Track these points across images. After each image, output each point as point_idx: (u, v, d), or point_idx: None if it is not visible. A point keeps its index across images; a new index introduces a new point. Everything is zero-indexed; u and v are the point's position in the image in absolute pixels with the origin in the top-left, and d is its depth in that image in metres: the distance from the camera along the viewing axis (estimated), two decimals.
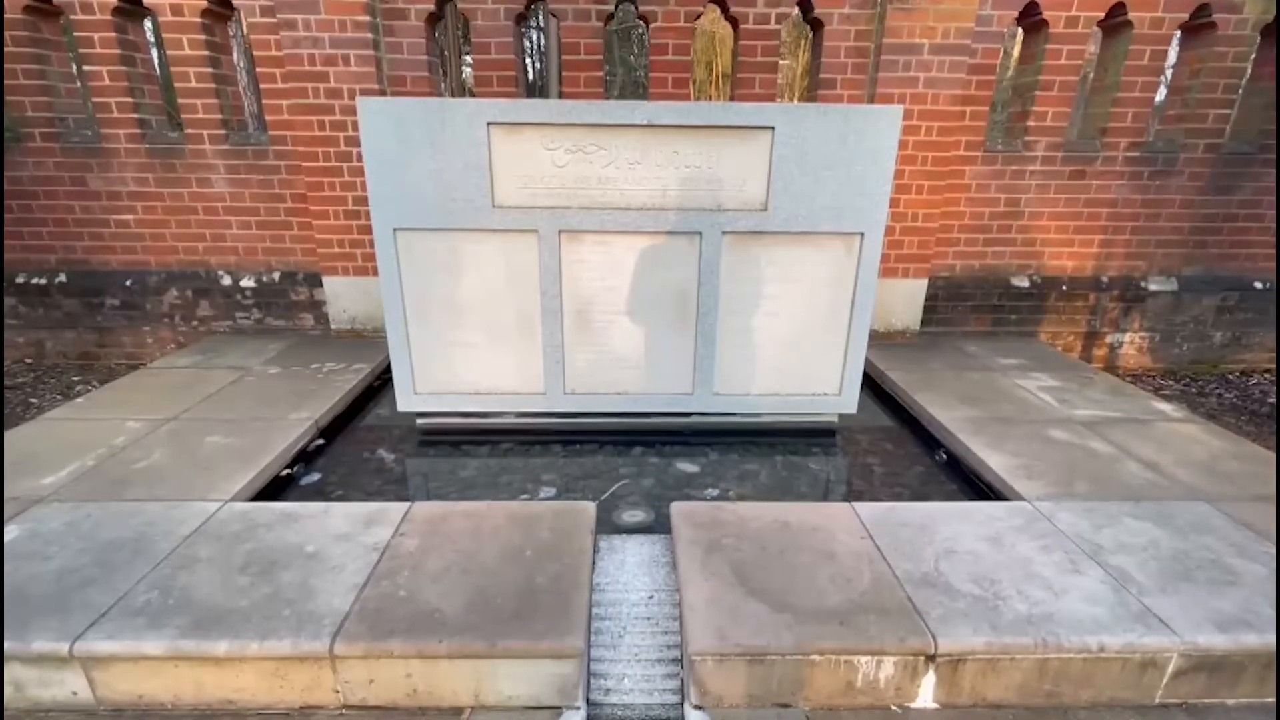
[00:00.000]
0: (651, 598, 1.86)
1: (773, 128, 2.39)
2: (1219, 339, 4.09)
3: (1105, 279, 3.97)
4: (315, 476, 2.52)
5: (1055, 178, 3.76)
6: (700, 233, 2.52)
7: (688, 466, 2.70)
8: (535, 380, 2.76)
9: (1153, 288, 3.99)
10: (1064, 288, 3.97)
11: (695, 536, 1.94)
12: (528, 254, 2.55)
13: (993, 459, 2.49)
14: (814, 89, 3.59)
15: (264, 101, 3.53)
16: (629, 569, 1.97)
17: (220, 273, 3.91)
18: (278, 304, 3.92)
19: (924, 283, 3.81)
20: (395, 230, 2.49)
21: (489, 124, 2.35)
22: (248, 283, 3.90)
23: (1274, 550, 1.91)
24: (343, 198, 3.63)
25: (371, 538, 1.90)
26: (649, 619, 1.82)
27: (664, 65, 3.50)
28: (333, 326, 3.87)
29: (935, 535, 1.97)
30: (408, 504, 2.07)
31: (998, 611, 1.64)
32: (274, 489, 2.37)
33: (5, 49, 3.46)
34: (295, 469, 2.54)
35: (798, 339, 2.73)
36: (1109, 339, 4.05)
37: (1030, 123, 3.66)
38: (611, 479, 2.58)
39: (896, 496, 2.52)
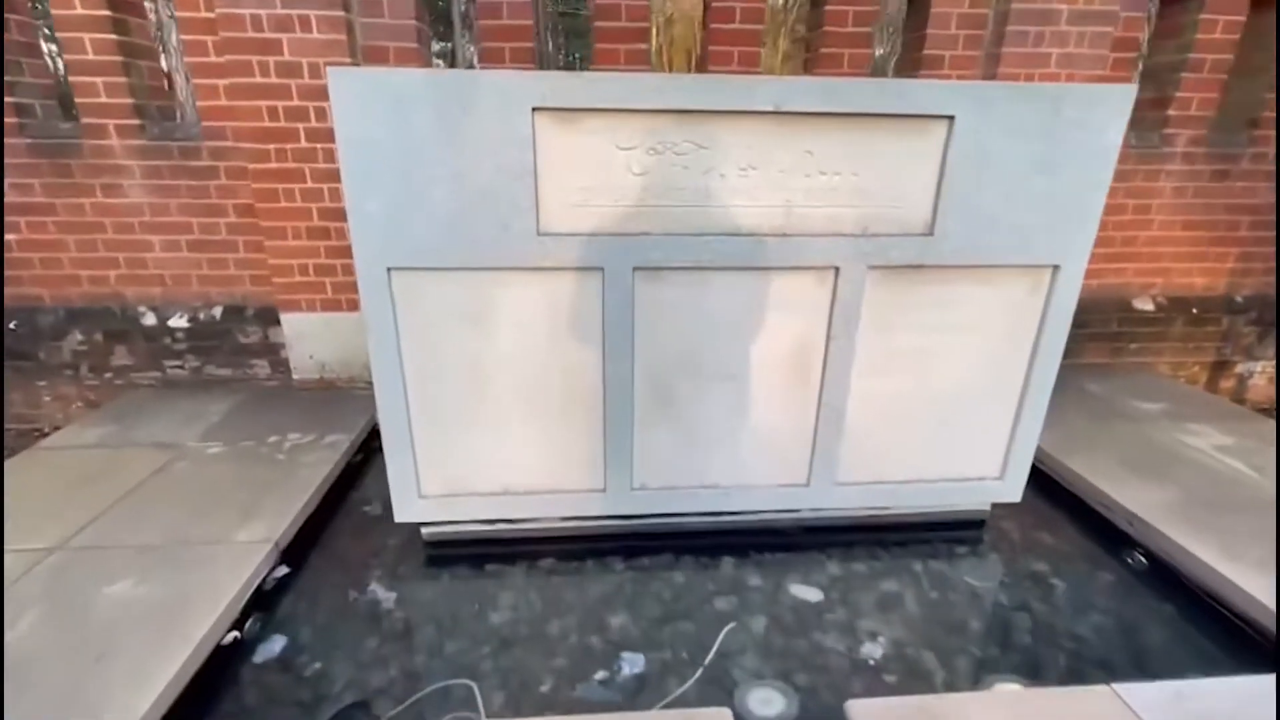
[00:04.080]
0: None
1: (952, 117, 1.64)
2: None
3: (1240, 299, 3.34)
4: (277, 644, 1.68)
5: (1194, 179, 3.09)
6: (837, 267, 1.76)
7: (806, 592, 1.95)
8: (591, 473, 1.97)
9: None
10: (1193, 310, 3.33)
11: None
12: (587, 300, 1.75)
13: (1239, 576, 1.79)
14: (914, 68, 2.84)
15: (194, 81, 2.63)
16: None
17: (141, 309, 2.98)
18: (221, 349, 3.01)
19: None
20: (390, 270, 1.67)
21: (535, 110, 1.55)
22: (179, 321, 2.98)
23: None
24: (305, 210, 2.75)
25: None
26: None
27: (728, 36, 2.70)
28: (295, 376, 2.99)
29: None
30: None
31: None
32: (211, 675, 1.53)
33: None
34: (245, 629, 1.70)
35: (954, 407, 1.99)
36: (1238, 369, 3.43)
37: (1171, 112, 2.98)
38: (708, 620, 1.82)
39: (1099, 630, 1.81)
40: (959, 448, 2.06)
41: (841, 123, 1.64)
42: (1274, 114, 3.04)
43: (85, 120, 2.70)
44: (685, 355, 1.85)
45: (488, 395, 1.84)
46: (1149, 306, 3.32)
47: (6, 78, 2.62)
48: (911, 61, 2.86)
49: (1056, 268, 1.82)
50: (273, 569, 1.89)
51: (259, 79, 2.53)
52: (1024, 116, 1.65)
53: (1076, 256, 1.81)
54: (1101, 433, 2.64)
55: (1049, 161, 1.70)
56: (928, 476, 2.08)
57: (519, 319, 1.76)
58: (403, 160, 1.56)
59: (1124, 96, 1.67)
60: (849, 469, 2.03)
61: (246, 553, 1.85)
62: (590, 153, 1.61)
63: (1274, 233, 3.24)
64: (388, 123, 1.53)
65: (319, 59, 2.51)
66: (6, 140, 2.67)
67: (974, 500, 2.17)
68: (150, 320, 2.98)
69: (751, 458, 1.99)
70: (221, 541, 1.89)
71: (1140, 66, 2.92)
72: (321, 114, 2.61)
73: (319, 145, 2.66)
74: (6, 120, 2.66)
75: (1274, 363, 3.42)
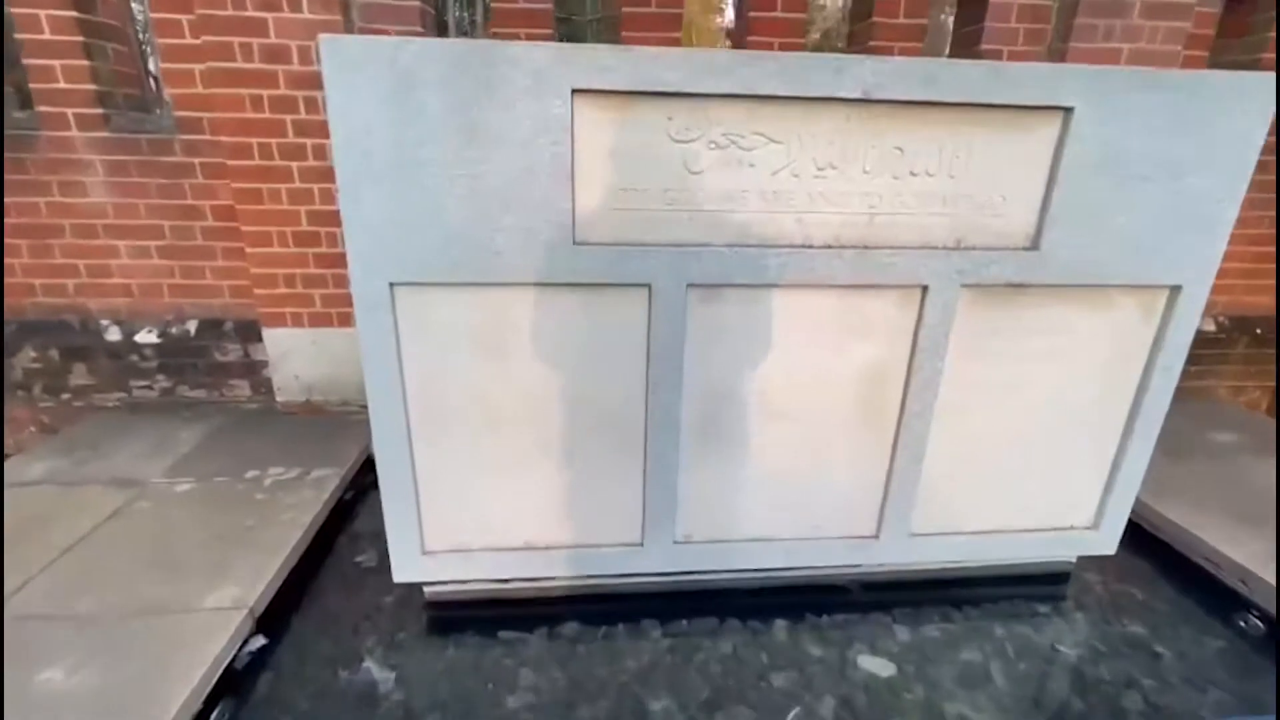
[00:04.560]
0: None
1: (1070, 109, 1.37)
2: None
3: None
4: None
5: (1263, 190, 2.86)
6: (925, 286, 1.49)
7: (875, 665, 1.66)
8: (627, 524, 1.68)
9: None
10: (1257, 330, 3.09)
11: None
12: (630, 322, 1.47)
13: None
14: None
15: (164, 65, 2.32)
16: None
17: (104, 322, 2.66)
18: (195, 367, 2.70)
19: None
20: (393, 285, 1.37)
21: (575, 92, 1.26)
22: (147, 337, 2.66)
23: None
24: (292, 213, 2.45)
25: None
26: None
27: (767, 25, 2.44)
28: (279, 399, 2.68)
29: None
30: None
31: None
32: None
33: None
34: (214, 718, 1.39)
35: (1046, 448, 1.72)
36: None
37: None
38: (767, 703, 1.54)
39: (1223, 711, 1.54)
40: (1049, 494, 1.78)
41: (938, 114, 1.37)
42: None
43: (41, 109, 2.39)
44: (742, 388, 1.56)
45: (507, 433, 1.55)
46: (1210, 326, 3.08)
47: None
48: (964, 58, 2.61)
49: (1176, 288, 1.56)
50: (246, 641, 1.57)
51: (240, 64, 2.23)
52: (1152, 109, 1.39)
53: (1201, 276, 1.55)
54: (1184, 470, 2.38)
55: (1177, 163, 1.44)
56: (1012, 526, 1.81)
57: (547, 344, 1.47)
58: (411, 152, 1.27)
59: (1267, 87, 1.41)
60: (924, 519, 1.75)
61: (215, 623, 1.53)
62: (640, 146, 1.33)
63: None
64: (393, 104, 1.24)
65: (309, 42, 2.22)
66: None
67: (1060, 552, 1.90)
68: (114, 335, 2.66)
69: (814, 506, 1.70)
70: (185, 609, 1.57)
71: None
72: (312, 105, 2.32)
73: (309, 140, 2.36)
74: None
75: None
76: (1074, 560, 1.95)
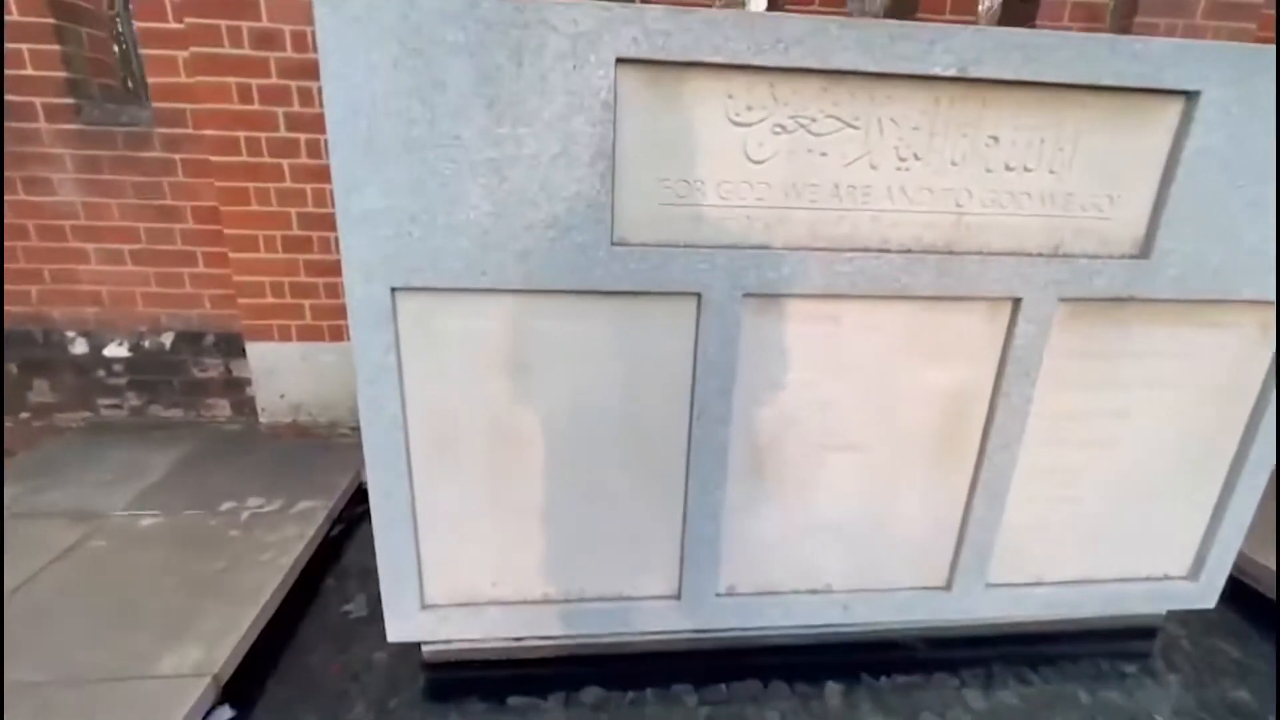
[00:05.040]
0: None
1: (1194, 93, 1.17)
2: None
3: None
4: None
5: None
6: (1017, 298, 1.28)
7: None
8: (663, 573, 1.44)
9: None
10: None
11: None
12: (674, 338, 1.25)
13: None
14: None
15: (144, 52, 2.11)
16: None
17: (69, 334, 2.42)
18: (170, 384, 2.45)
19: None
20: (395, 290, 1.15)
21: (619, 62, 1.05)
22: (117, 350, 2.42)
23: None
24: (281, 216, 2.23)
25: None
26: None
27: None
28: (263, 419, 2.43)
29: None
30: None
31: None
32: None
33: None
34: None
35: (1141, 487, 1.50)
36: None
37: None
38: None
39: None
40: (1142, 540, 1.56)
41: (1041, 98, 1.17)
42: None
43: (5, 97, 2.16)
44: (800, 415, 1.34)
45: (524, 466, 1.32)
46: None
47: None
48: None
49: None
50: (208, 714, 1.32)
51: (228, 49, 2.03)
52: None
53: None
54: (1264, 508, 2.15)
55: None
56: (1098, 576, 1.58)
57: (575, 362, 1.24)
58: (421, 133, 1.05)
59: None
60: (1002, 567, 1.52)
61: (170, 692, 1.28)
62: (693, 128, 1.12)
63: None
64: (402, 73, 1.02)
65: (306, 27, 2.01)
66: None
67: (1152, 606, 1.67)
68: (81, 348, 2.42)
69: (878, 553, 1.47)
70: (136, 675, 1.32)
71: None
72: (307, 96, 2.11)
73: (302, 135, 2.15)
74: None
75: None
76: (1163, 614, 1.72)
